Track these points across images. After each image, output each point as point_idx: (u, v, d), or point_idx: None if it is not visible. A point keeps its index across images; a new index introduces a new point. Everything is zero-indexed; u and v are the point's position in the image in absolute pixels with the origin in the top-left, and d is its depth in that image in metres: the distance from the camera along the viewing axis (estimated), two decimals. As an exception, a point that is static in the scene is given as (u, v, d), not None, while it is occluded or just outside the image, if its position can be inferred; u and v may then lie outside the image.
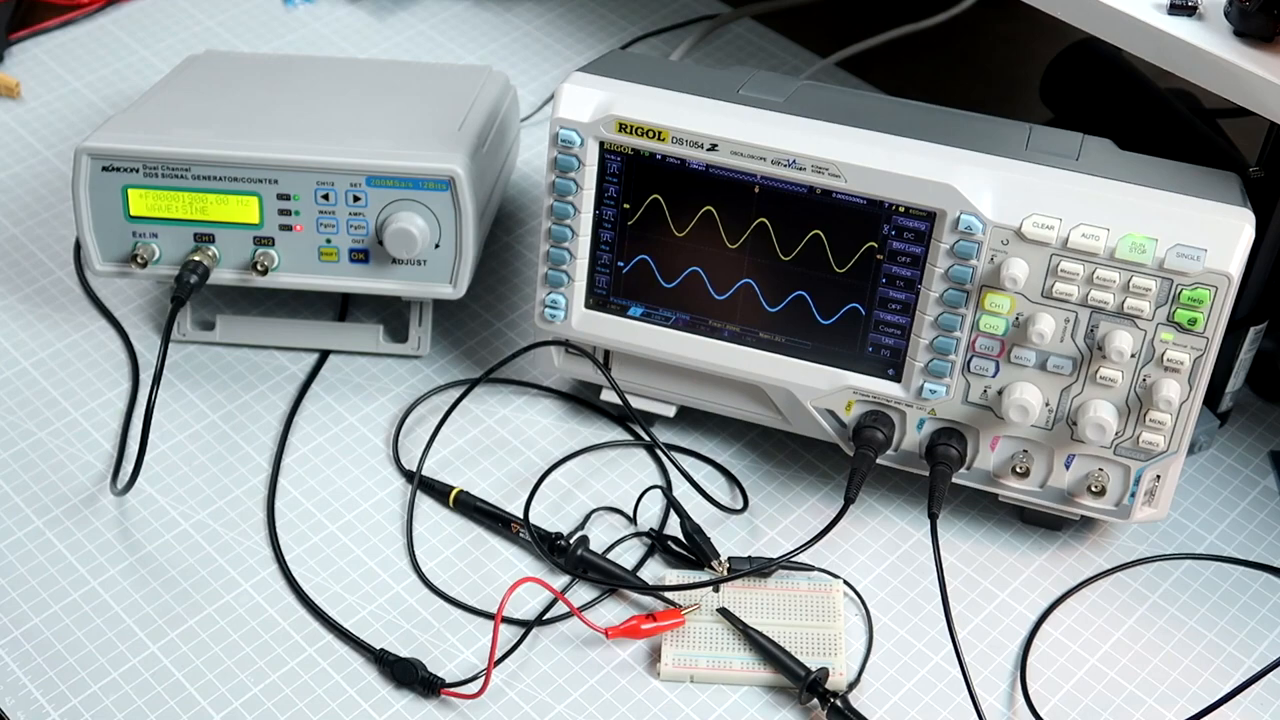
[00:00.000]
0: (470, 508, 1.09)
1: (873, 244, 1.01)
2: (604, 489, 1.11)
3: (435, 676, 0.98)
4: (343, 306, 1.23)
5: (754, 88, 1.05)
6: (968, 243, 0.98)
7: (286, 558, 1.06)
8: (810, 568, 1.06)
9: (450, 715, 0.98)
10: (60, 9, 1.51)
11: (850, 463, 1.04)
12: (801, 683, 0.97)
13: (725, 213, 1.04)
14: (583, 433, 1.15)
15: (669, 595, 1.02)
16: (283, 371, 1.19)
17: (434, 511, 1.10)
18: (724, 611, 1.01)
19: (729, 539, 1.08)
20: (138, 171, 1.10)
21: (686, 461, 1.13)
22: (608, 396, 1.12)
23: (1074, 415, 1.01)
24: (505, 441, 1.14)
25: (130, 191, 1.10)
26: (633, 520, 1.09)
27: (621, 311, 1.09)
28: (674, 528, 1.07)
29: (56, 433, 1.14)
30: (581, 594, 1.04)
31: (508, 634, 1.01)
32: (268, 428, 1.15)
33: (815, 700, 0.97)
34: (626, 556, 1.07)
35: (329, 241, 1.12)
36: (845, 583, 1.05)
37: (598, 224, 1.07)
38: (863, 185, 0.99)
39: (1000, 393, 1.01)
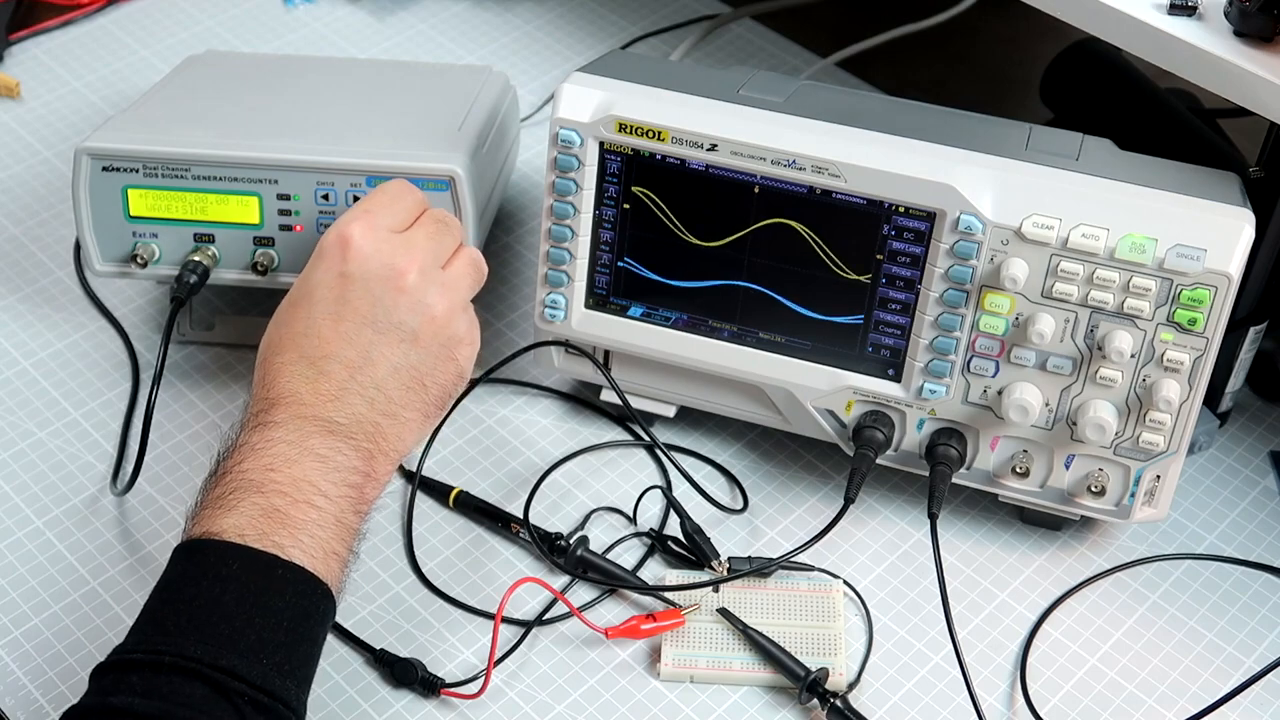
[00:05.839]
0: (470, 508, 1.09)
1: (872, 244, 1.01)
2: (604, 489, 1.11)
3: (435, 676, 0.98)
4: (343, 306, 1.23)
5: (754, 88, 1.05)
6: (968, 243, 0.98)
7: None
8: (810, 568, 1.06)
9: (450, 715, 0.98)
10: (60, 9, 1.51)
11: (850, 463, 1.04)
12: (801, 683, 0.97)
13: (725, 213, 1.04)
14: (583, 433, 1.15)
15: (669, 595, 1.02)
16: (283, 371, 1.19)
17: (434, 511, 1.10)
18: (724, 611, 1.01)
19: (729, 539, 1.08)
20: (138, 171, 1.10)
21: (686, 461, 1.13)
22: (608, 396, 1.12)
23: (1074, 415, 1.01)
24: (505, 441, 1.14)
25: (130, 191, 1.10)
26: (633, 520, 1.09)
27: (621, 311, 1.09)
28: (674, 528, 1.07)
29: (56, 433, 1.14)
30: (581, 594, 1.04)
31: (507, 634, 1.01)
32: (268, 428, 1.14)
33: (815, 700, 0.97)
34: (626, 556, 1.07)
35: (329, 241, 1.12)
36: (845, 583, 1.05)
37: (597, 224, 1.07)
38: (863, 185, 0.99)
39: (1000, 393, 1.01)
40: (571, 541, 1.05)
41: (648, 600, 1.03)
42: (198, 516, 0.87)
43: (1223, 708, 0.97)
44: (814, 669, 0.98)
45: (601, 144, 1.04)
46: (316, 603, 0.85)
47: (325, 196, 1.10)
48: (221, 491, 0.87)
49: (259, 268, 1.12)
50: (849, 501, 1.02)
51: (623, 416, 1.16)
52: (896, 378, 1.04)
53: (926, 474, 1.04)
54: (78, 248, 1.26)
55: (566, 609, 1.01)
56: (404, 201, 0.99)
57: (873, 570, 1.07)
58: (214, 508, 0.86)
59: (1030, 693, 1.00)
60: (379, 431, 0.92)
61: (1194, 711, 0.97)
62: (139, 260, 1.11)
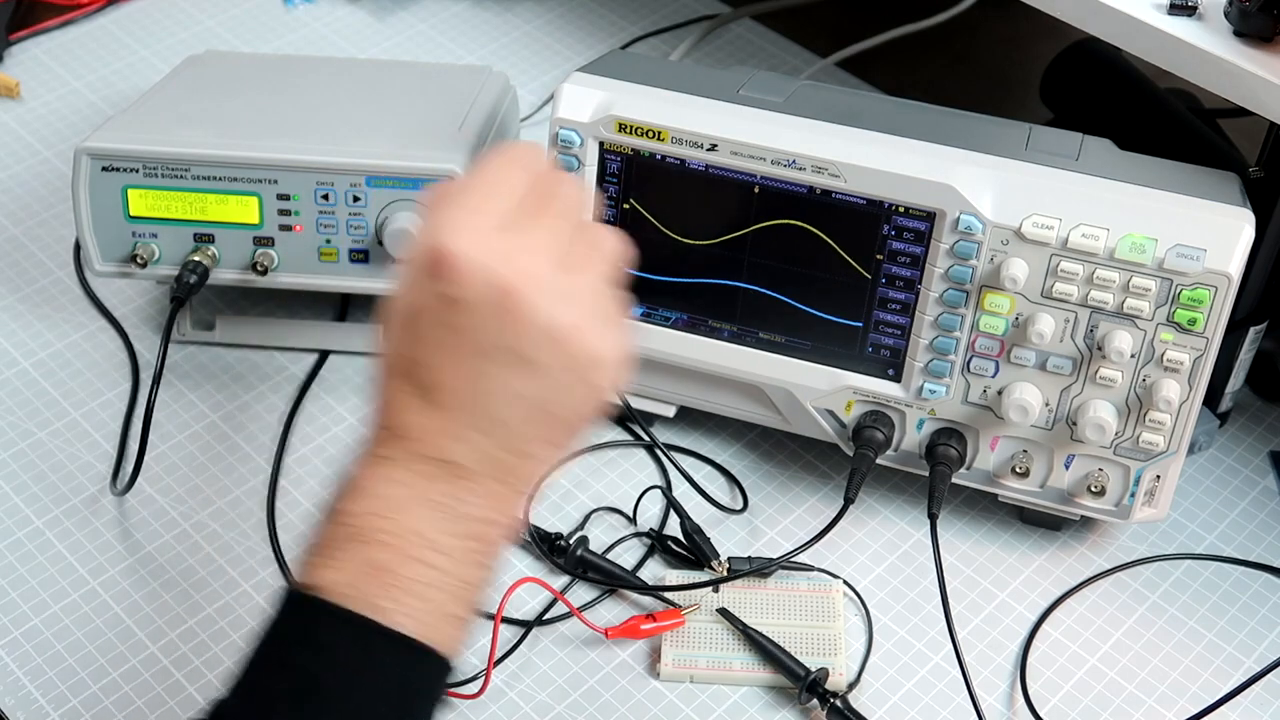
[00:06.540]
0: (470, 508, 1.09)
1: (872, 244, 1.01)
2: (604, 489, 1.11)
3: (435, 676, 0.98)
4: (343, 306, 1.23)
5: (754, 88, 1.05)
6: (967, 243, 0.98)
7: (286, 558, 1.06)
8: (810, 568, 1.06)
9: (450, 715, 0.98)
10: (60, 9, 1.51)
11: (850, 463, 1.04)
12: (801, 683, 0.97)
13: (725, 213, 1.04)
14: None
15: (669, 595, 1.02)
16: (283, 371, 1.19)
17: (434, 511, 1.10)
18: (724, 611, 1.01)
19: (729, 539, 1.08)
20: (138, 171, 1.10)
21: (686, 461, 1.13)
22: (608, 396, 1.12)
23: (1074, 415, 1.01)
24: (505, 441, 1.14)
25: (130, 191, 1.10)
26: (633, 520, 1.09)
27: (621, 311, 1.09)
28: (674, 528, 1.07)
29: (56, 433, 1.14)
30: (581, 594, 1.04)
31: (507, 634, 1.01)
32: (268, 428, 1.15)
33: (815, 700, 0.97)
34: (626, 556, 1.07)
35: (329, 241, 1.12)
36: (845, 583, 1.05)
37: (598, 224, 1.07)
38: (863, 185, 0.99)
39: (1000, 393, 1.01)
40: (571, 541, 1.05)
41: (648, 600, 1.03)
42: (308, 558, 0.76)
43: (1223, 708, 0.97)
44: (814, 669, 0.98)
45: (601, 144, 1.04)
46: (424, 674, 0.75)
47: (325, 196, 1.10)
48: (330, 536, 0.76)
49: (259, 268, 1.12)
50: (849, 501, 1.02)
51: (623, 416, 1.16)
52: (896, 378, 1.04)
53: (926, 474, 1.04)
54: (78, 248, 1.26)
55: (566, 609, 1.01)
56: (509, 182, 0.78)
57: (873, 570, 1.07)
58: (320, 554, 0.75)
59: (1030, 693, 1.00)
60: (505, 470, 0.77)
61: (1194, 711, 0.97)
62: (139, 260, 1.11)
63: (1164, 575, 1.07)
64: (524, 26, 1.52)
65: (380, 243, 1.11)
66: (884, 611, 1.04)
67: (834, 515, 1.02)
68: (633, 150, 1.04)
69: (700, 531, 1.05)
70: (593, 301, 0.77)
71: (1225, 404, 1.15)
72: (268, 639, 0.76)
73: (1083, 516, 1.07)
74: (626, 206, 1.06)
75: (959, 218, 0.98)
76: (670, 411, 1.13)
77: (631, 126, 1.02)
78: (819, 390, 1.06)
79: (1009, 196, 0.97)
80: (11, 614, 1.02)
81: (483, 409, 0.76)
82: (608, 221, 1.06)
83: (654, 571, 1.06)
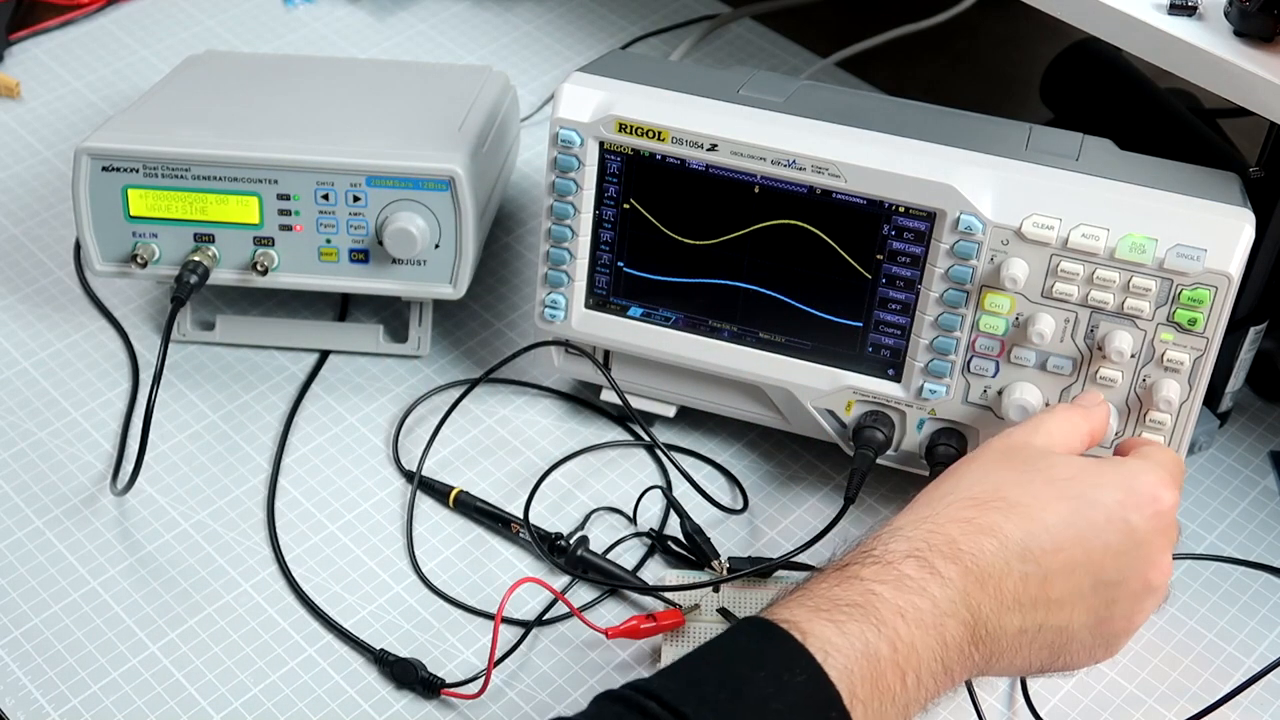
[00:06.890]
0: (470, 508, 1.09)
1: (872, 244, 1.01)
2: (604, 489, 1.11)
3: (435, 677, 0.98)
4: (343, 306, 1.23)
5: (754, 88, 1.05)
6: (968, 243, 0.98)
7: (286, 558, 1.06)
8: (810, 568, 1.05)
9: (450, 715, 0.98)
10: (60, 9, 1.51)
11: (850, 463, 1.04)
12: (801, 683, 0.97)
13: (725, 213, 1.04)
14: (583, 433, 1.15)
15: (669, 595, 1.02)
16: (283, 371, 1.19)
17: (434, 511, 1.10)
18: (724, 611, 1.01)
19: (729, 539, 1.08)
20: (138, 171, 1.10)
21: (686, 461, 1.13)
22: (608, 396, 1.12)
23: (1074, 415, 1.01)
24: (505, 441, 1.14)
25: (130, 191, 1.10)
26: (633, 520, 1.09)
27: (621, 311, 1.09)
28: (674, 528, 1.07)
29: (56, 433, 1.14)
30: (581, 594, 1.04)
31: (508, 634, 1.01)
32: (268, 428, 1.15)
33: (815, 700, 0.97)
34: (626, 557, 1.07)
35: (329, 241, 1.12)
36: (845, 583, 1.05)
37: (598, 224, 1.07)
38: (863, 185, 0.99)
39: (1000, 393, 1.01)
40: (571, 541, 1.05)
41: (648, 600, 1.03)
42: (807, 594, 0.79)
43: (1223, 708, 0.97)
44: (814, 669, 0.97)
45: (601, 144, 1.04)
46: None
47: (325, 196, 1.10)
48: (842, 593, 0.79)
49: (259, 268, 1.12)
50: (849, 501, 1.02)
51: (623, 416, 1.16)
52: (896, 378, 1.04)
53: (927, 474, 1.04)
54: (78, 248, 1.26)
55: (567, 609, 1.01)
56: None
57: (873, 570, 1.07)
58: (823, 608, 0.78)
59: (1030, 693, 1.00)
60: (997, 658, 0.83)
61: (1194, 711, 0.97)
62: (139, 260, 1.11)
63: (1164, 575, 1.07)
64: (524, 26, 1.52)
65: (380, 242, 1.11)
66: (884, 611, 1.04)
67: (834, 515, 1.02)
68: (633, 150, 1.04)
69: (700, 531, 1.05)
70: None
71: (1225, 404, 1.15)
72: (732, 655, 0.77)
73: (1083, 516, 1.07)
74: (626, 206, 1.06)
75: (959, 218, 0.98)
76: (670, 411, 1.13)
77: (632, 126, 1.02)
78: (819, 390, 1.06)
79: (1009, 196, 0.97)
80: (11, 614, 1.02)
81: (1044, 616, 0.83)
82: (608, 221, 1.06)
83: (654, 571, 1.06)
